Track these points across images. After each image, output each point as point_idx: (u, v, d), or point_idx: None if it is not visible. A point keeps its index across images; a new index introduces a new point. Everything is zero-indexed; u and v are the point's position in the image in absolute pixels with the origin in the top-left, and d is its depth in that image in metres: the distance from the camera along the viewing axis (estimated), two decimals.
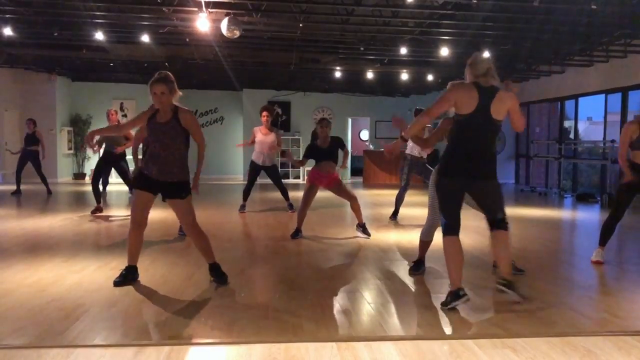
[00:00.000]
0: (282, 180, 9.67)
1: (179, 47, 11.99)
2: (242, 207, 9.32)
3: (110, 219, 8.37)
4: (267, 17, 9.48)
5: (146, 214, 4.54)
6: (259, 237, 7.14)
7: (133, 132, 7.68)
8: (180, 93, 4.47)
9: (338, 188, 6.89)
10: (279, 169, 10.03)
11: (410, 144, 8.14)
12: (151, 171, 4.41)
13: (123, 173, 9.05)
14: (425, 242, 5.03)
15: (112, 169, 9.58)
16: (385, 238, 6.89)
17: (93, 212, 8.64)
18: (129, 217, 4.58)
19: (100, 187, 9.34)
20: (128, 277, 4.53)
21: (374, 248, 6.26)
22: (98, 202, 8.75)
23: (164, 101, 4.33)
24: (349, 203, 7.00)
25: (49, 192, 12.01)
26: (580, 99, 13.86)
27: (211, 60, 12.63)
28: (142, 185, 4.45)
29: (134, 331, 3.44)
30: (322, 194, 7.71)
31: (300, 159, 6.98)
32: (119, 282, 4.47)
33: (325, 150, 6.77)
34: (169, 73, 4.44)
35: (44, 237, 6.76)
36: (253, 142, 9.20)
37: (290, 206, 9.29)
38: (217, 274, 4.59)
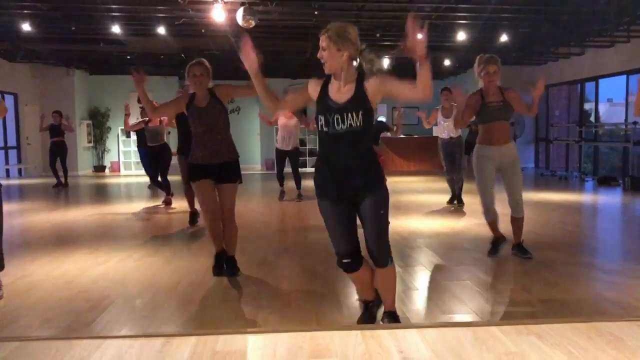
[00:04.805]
0: (300, 169, 9.69)
1: (195, 39, 12.03)
2: (282, 193, 9.41)
3: (134, 213, 8.46)
4: (282, 5, 9.46)
5: (214, 201, 4.49)
6: (280, 227, 7.17)
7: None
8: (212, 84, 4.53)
9: None
10: (299, 158, 10.06)
11: (442, 125, 8.15)
12: (198, 157, 4.44)
13: (165, 167, 8.90)
14: (491, 222, 5.02)
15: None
16: (405, 225, 6.87)
17: (165, 202, 8.74)
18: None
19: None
20: (221, 263, 4.60)
21: (394, 235, 6.23)
22: (168, 193, 8.78)
23: (202, 82, 4.40)
24: None
25: (66, 184, 12.39)
26: (601, 81, 13.64)
27: (227, 50, 12.65)
28: (198, 175, 4.46)
29: (159, 322, 3.49)
30: None
31: None
32: (219, 273, 4.55)
33: None
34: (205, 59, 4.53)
35: (69, 230, 6.87)
36: (274, 122, 9.20)
37: (300, 196, 9.30)
38: (232, 266, 4.60)
